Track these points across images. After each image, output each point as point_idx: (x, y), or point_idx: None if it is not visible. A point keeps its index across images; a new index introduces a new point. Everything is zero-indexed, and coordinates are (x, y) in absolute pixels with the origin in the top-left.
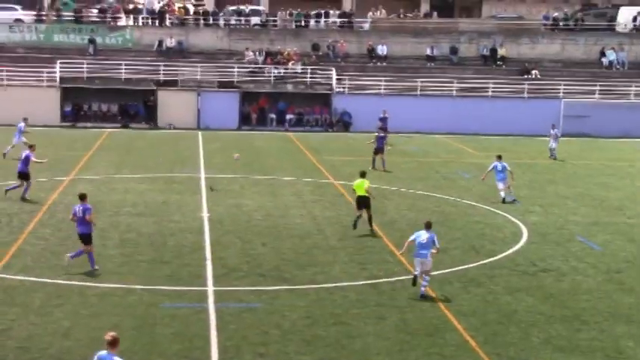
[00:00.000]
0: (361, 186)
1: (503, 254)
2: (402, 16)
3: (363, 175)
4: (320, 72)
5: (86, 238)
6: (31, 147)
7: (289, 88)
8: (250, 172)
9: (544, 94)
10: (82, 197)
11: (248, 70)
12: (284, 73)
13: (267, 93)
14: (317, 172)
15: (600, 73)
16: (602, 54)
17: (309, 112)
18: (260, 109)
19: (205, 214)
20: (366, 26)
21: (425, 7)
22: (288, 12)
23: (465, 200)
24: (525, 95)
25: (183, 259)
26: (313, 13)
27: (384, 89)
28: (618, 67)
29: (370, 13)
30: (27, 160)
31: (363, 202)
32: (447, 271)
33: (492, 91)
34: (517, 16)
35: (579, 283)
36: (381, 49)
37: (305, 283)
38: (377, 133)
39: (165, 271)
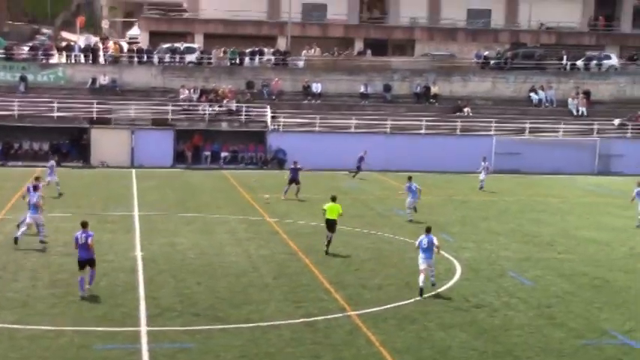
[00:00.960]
0: (333, 210)
1: (438, 290)
2: (336, 54)
3: (334, 199)
4: (255, 109)
5: (91, 262)
6: (37, 179)
7: (224, 125)
8: (184, 210)
9: (476, 132)
10: (84, 225)
11: (182, 107)
12: (219, 110)
13: (202, 130)
14: (251, 210)
15: (530, 111)
16: (532, 92)
17: (243, 150)
18: (194, 147)
19: (139, 253)
20: (301, 64)
21: (359, 46)
22: (222, 50)
23: (399, 237)
24: (458, 132)
25: (116, 299)
26: (248, 51)
27: (319, 127)
28: (547, 104)
29: (304, 52)
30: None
31: (332, 225)
32: (381, 308)
33: (425, 128)
34: (449, 54)
35: (511, 318)
36: (316, 87)
37: (240, 322)
38: (292, 166)
39: (97, 311)
